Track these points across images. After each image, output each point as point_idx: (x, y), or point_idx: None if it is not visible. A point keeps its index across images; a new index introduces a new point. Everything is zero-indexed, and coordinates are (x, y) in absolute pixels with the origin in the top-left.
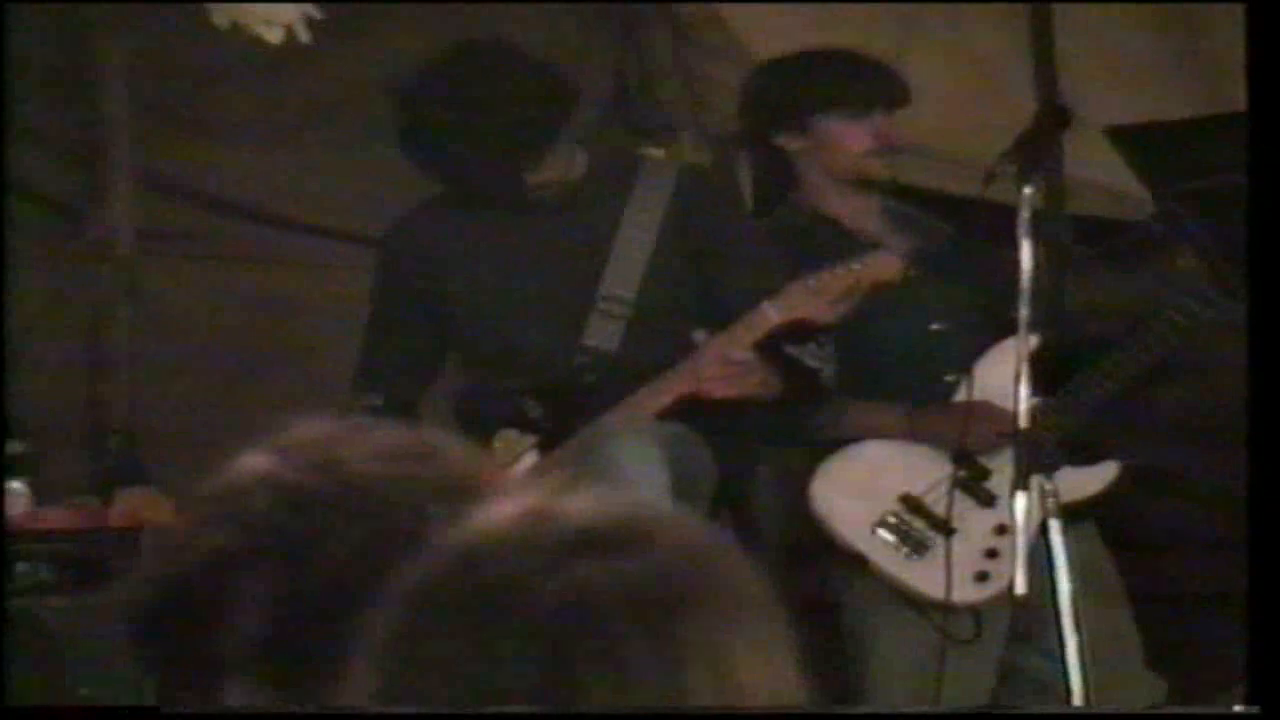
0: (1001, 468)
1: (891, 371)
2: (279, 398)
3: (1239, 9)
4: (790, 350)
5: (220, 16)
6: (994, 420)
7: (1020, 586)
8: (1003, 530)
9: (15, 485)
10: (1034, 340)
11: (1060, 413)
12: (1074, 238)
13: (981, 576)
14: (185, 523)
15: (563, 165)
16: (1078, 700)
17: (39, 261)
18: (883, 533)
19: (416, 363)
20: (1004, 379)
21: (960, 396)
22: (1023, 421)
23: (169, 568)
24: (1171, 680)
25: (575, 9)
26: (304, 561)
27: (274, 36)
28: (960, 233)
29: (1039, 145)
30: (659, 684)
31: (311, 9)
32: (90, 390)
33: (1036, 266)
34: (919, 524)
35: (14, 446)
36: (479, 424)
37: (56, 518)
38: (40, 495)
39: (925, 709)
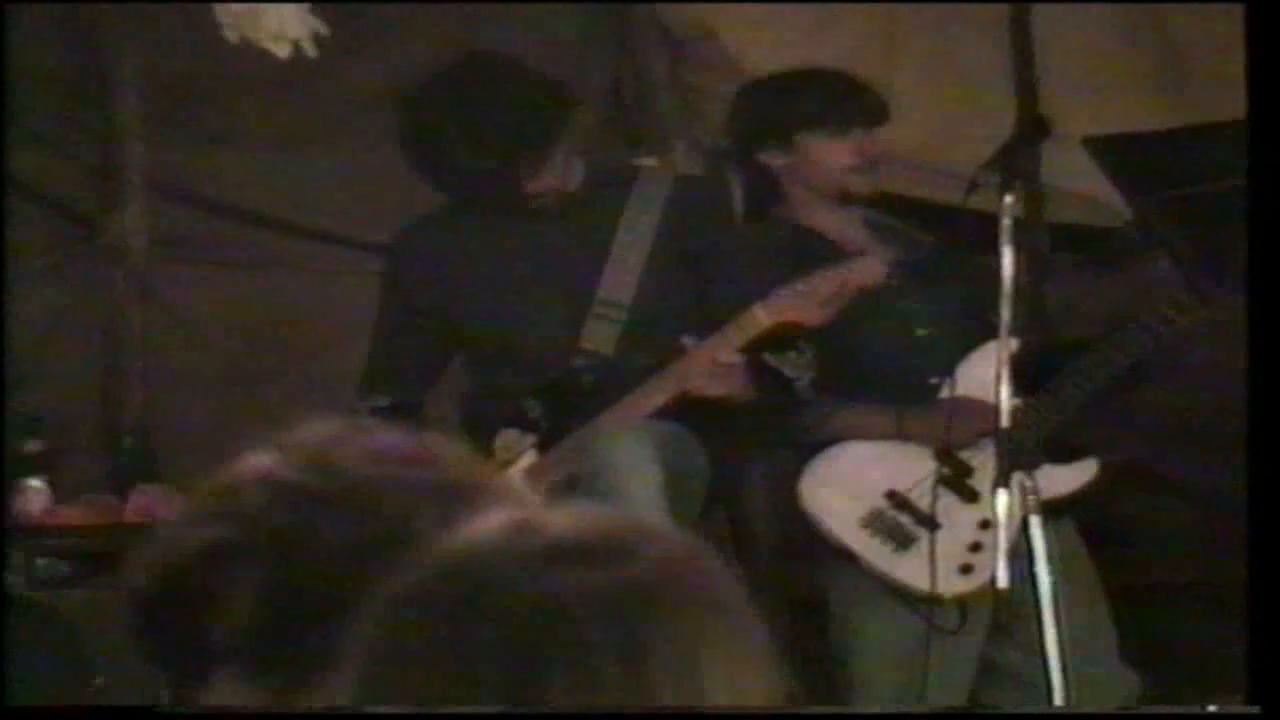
0: (984, 465)
1: (878, 374)
2: (287, 398)
3: (1209, 22)
4: (769, 359)
5: (230, 32)
6: (976, 420)
7: (1002, 580)
8: (985, 525)
9: (35, 483)
10: (1014, 343)
11: (1040, 412)
12: (1053, 245)
13: (966, 569)
14: (183, 516)
15: (561, 174)
16: (1057, 692)
17: (55, 267)
18: (870, 528)
19: (422, 365)
20: (985, 380)
21: (944, 398)
22: (1004, 421)
23: (165, 558)
24: (1145, 672)
25: (574, 24)
26: (294, 557)
27: (282, 51)
28: (943, 240)
29: (1019, 155)
30: (626, 694)
31: (319, 25)
32: (105, 391)
33: (1017, 272)
34: (905, 519)
35: (33, 445)
36: (482, 423)
37: (74, 514)
38: (58, 492)
39: (921, 709)
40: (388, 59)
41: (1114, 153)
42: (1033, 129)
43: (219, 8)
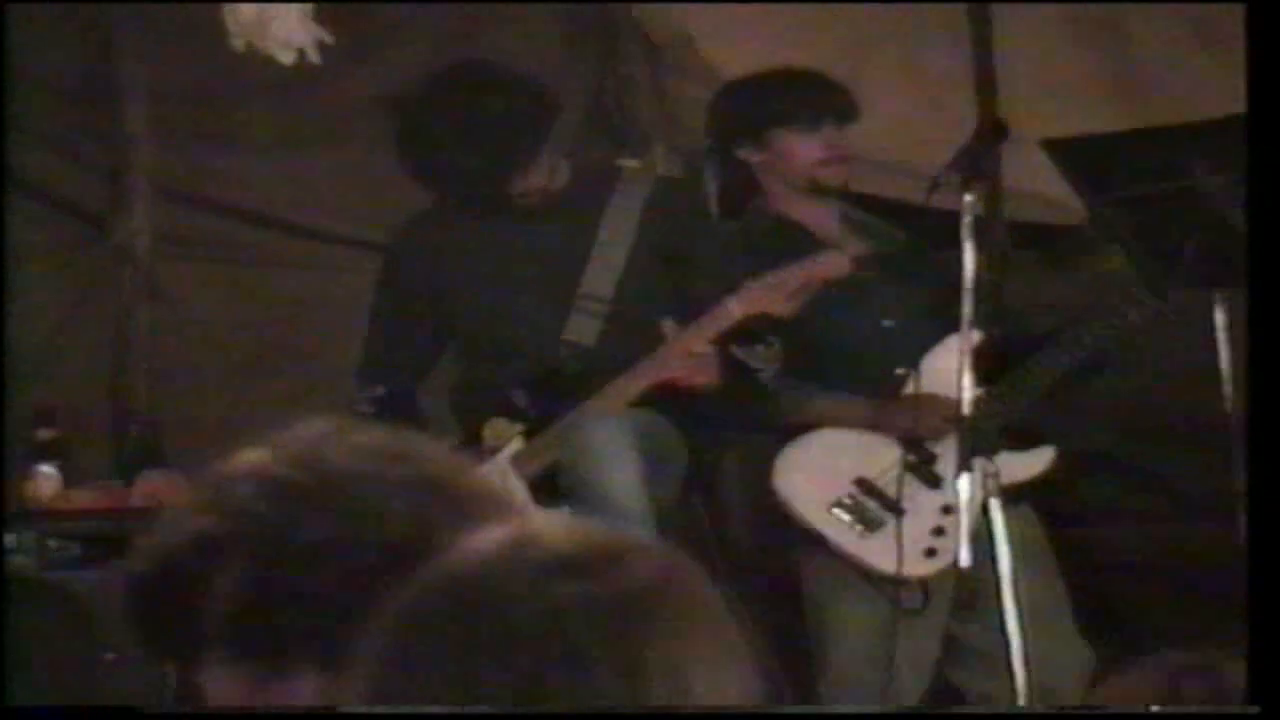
0: (948, 453)
1: (847, 364)
2: (287, 389)
3: (1162, 27)
4: (737, 352)
5: (238, 41)
6: (940, 409)
7: (964, 560)
8: (948, 510)
9: (47, 469)
10: (977, 336)
11: (1001, 402)
12: (1012, 242)
13: (930, 552)
14: (180, 507)
15: (547, 174)
16: (1017, 665)
17: (66, 265)
18: (839, 512)
19: (415, 357)
20: (949, 371)
21: (910, 388)
22: (965, 409)
23: (159, 547)
24: (1101, 644)
25: (560, 33)
26: (275, 548)
27: (287, 59)
28: (910, 237)
29: (980, 156)
30: (620, 696)
31: (323, 33)
32: (114, 382)
33: (978, 268)
34: (872, 504)
35: (45, 434)
36: (472, 412)
37: (84, 498)
38: (69, 478)
39: (914, 709)
40: (382, 66)
41: (1070, 154)
42: (993, 131)
43: (227, 18)
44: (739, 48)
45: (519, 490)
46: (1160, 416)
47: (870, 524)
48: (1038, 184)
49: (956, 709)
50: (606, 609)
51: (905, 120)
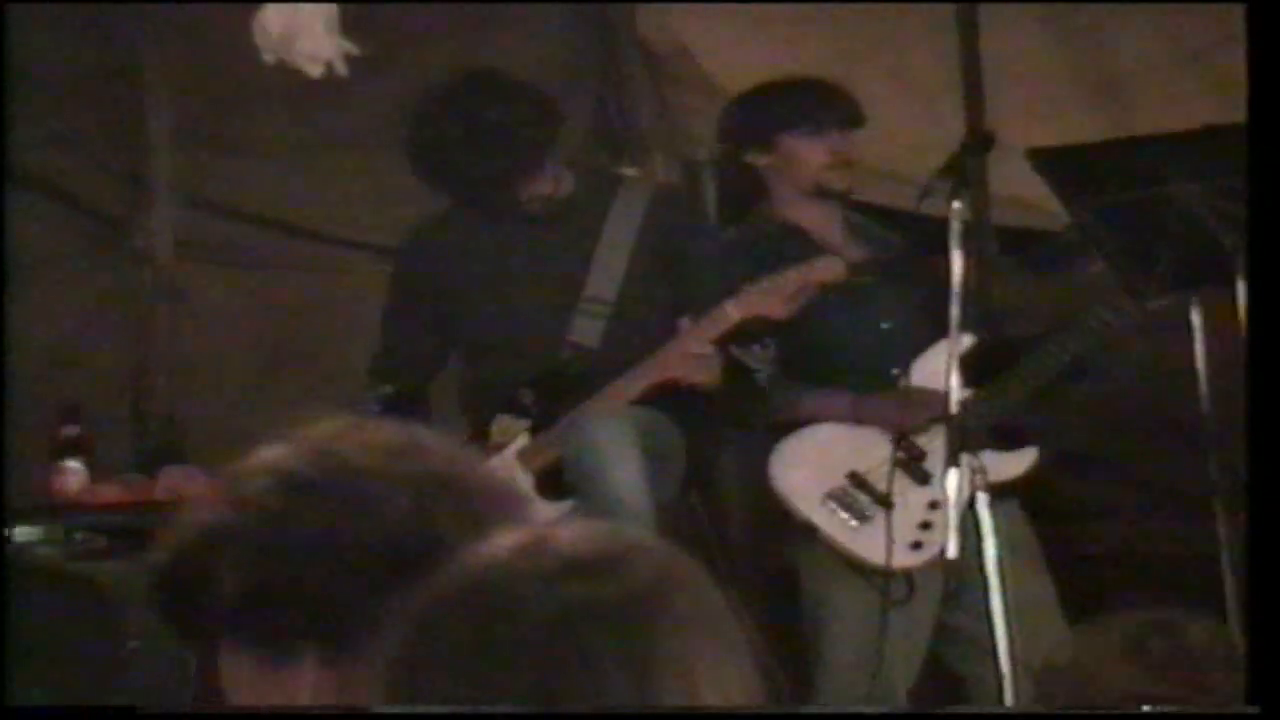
0: (936, 450)
1: (844, 363)
2: (302, 387)
3: (1141, 40)
4: (735, 352)
5: (269, 55)
6: (930, 408)
7: (951, 552)
8: (935, 505)
9: (72, 464)
10: (967, 339)
11: (989, 403)
12: (997, 246)
13: (916, 545)
14: (200, 500)
15: (552, 182)
16: (1002, 650)
17: (90, 267)
18: (832, 504)
19: (425, 357)
20: (941, 372)
21: (902, 387)
22: (953, 408)
23: (176, 538)
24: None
25: (564, 46)
26: (282, 540)
27: (315, 71)
28: (907, 242)
29: (967, 165)
30: (630, 693)
31: (350, 46)
32: (136, 381)
33: (966, 272)
34: (863, 498)
35: (70, 430)
36: (480, 410)
37: (108, 492)
38: (94, 472)
39: (915, 710)
40: (394, 78)
41: (1053, 162)
42: (980, 140)
43: (257, 34)
44: (736, 60)
45: (524, 485)
46: (1139, 416)
47: (861, 517)
48: (1022, 191)
49: (956, 709)
50: (614, 609)
51: (895, 129)
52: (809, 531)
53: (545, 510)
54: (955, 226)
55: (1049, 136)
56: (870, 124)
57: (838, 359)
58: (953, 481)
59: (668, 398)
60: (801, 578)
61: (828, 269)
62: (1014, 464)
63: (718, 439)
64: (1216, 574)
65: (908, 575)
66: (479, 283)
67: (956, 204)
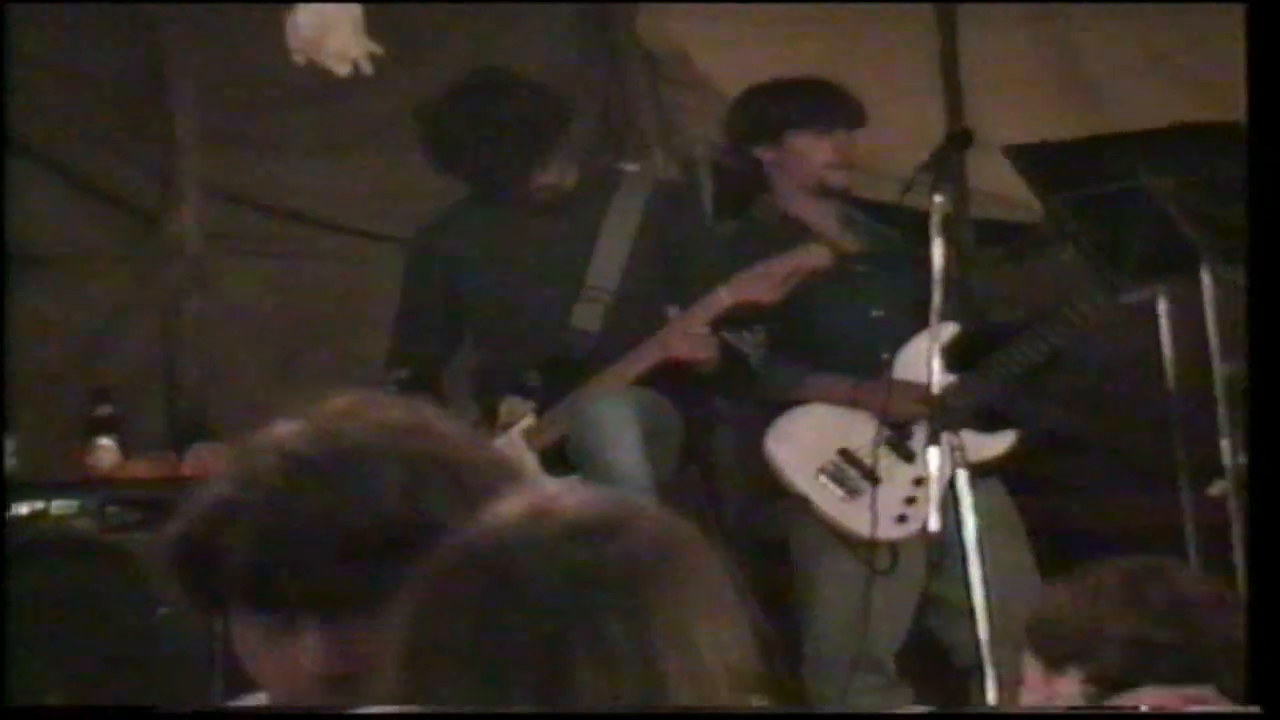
0: (921, 429)
1: (838, 348)
2: (322, 370)
3: (1110, 40)
4: (728, 336)
5: (299, 56)
6: (916, 391)
7: (933, 525)
8: (919, 482)
9: (106, 441)
10: (952, 326)
11: (972, 387)
12: (976, 238)
13: (901, 519)
14: (214, 476)
15: (558, 173)
16: (980, 618)
17: (123, 258)
18: (823, 479)
19: (438, 342)
20: (924, 357)
21: (891, 371)
22: (935, 390)
23: (189, 512)
24: None
25: (570, 48)
26: (282, 515)
27: (343, 70)
28: (897, 235)
29: (947, 161)
30: (631, 648)
31: (375, 46)
32: (166, 363)
33: (946, 261)
34: (853, 474)
35: (104, 410)
36: (489, 392)
37: (140, 468)
38: (126, 450)
39: (917, 709)
40: (410, 78)
41: (1029, 158)
42: (959, 138)
43: (289, 34)
44: (731, 62)
45: (531, 462)
46: (1111, 399)
47: (850, 491)
48: (999, 186)
49: (956, 709)
50: (616, 570)
51: (879, 126)
52: (802, 503)
53: (549, 486)
54: (936, 219)
55: (1025, 134)
56: None
57: (832, 343)
58: (934, 459)
59: (665, 379)
60: (792, 547)
61: (815, 257)
62: (996, 444)
63: (713, 418)
64: (1181, 545)
65: (892, 546)
66: (488, 272)
67: (937, 197)
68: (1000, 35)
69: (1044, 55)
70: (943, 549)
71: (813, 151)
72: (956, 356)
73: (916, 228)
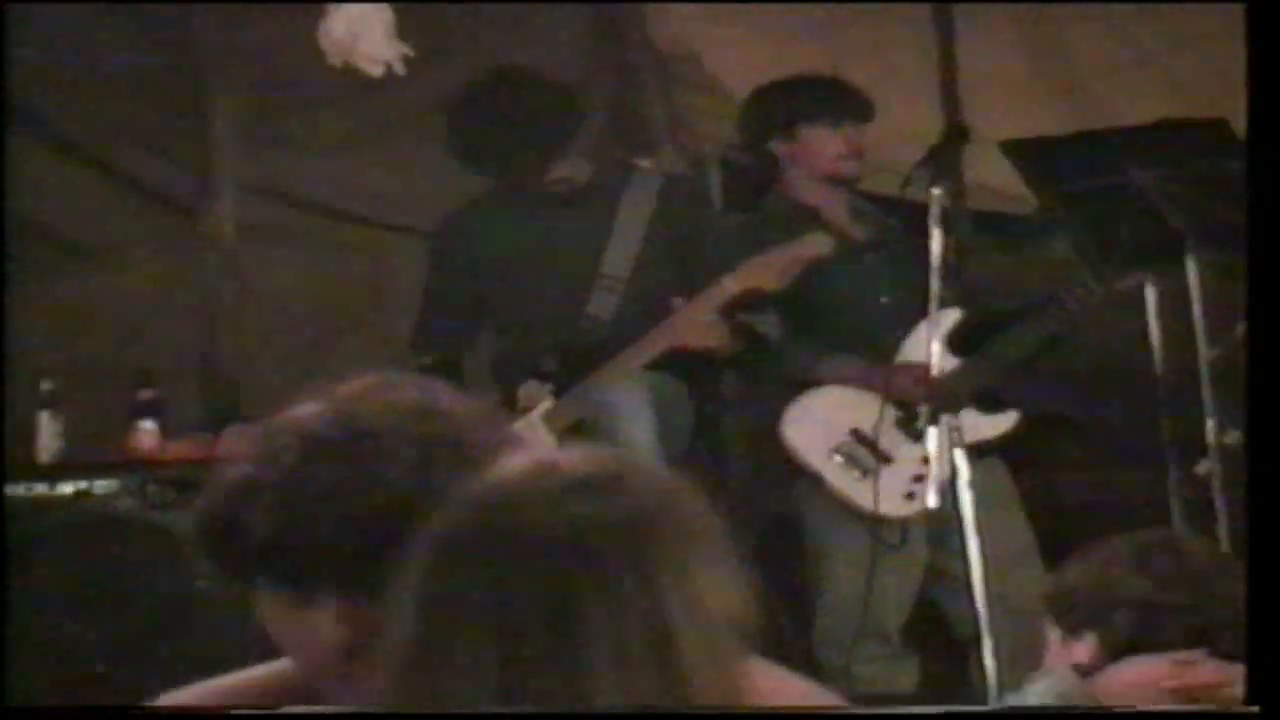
0: (927, 412)
1: (849, 333)
2: (350, 355)
3: (1102, 40)
4: (743, 318)
5: (335, 59)
6: (920, 373)
7: (932, 502)
8: (927, 461)
9: (147, 424)
10: (954, 313)
11: (974, 372)
12: (973, 229)
13: (909, 496)
14: (237, 455)
15: (572, 168)
16: (978, 589)
17: (161, 250)
18: (837, 458)
19: (459, 329)
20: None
21: (900, 354)
22: (934, 372)
23: (212, 488)
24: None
25: (584, 48)
26: (297, 492)
27: (376, 71)
28: (903, 225)
29: (946, 155)
30: (638, 597)
31: (406, 48)
32: (203, 350)
33: (945, 251)
34: (864, 453)
35: (145, 394)
36: (509, 377)
37: (179, 449)
38: (166, 431)
39: (920, 709)
40: (432, 79)
41: (1023, 153)
42: (956, 133)
43: (322, 39)
44: (739, 62)
45: (550, 443)
46: (1102, 382)
47: (862, 470)
48: (995, 179)
49: (955, 709)
50: (620, 522)
51: (882, 122)
52: (816, 480)
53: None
54: (935, 210)
55: (1019, 130)
56: None
57: (843, 327)
58: (933, 439)
59: (676, 363)
60: (805, 522)
61: (817, 245)
62: (997, 425)
63: (721, 400)
64: (1168, 519)
65: (902, 523)
66: (507, 262)
67: (936, 190)
68: (995, 35)
69: (1037, 55)
70: (942, 525)
71: (825, 143)
72: (959, 341)
73: (917, 219)
